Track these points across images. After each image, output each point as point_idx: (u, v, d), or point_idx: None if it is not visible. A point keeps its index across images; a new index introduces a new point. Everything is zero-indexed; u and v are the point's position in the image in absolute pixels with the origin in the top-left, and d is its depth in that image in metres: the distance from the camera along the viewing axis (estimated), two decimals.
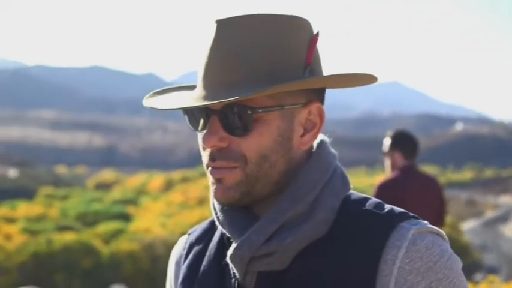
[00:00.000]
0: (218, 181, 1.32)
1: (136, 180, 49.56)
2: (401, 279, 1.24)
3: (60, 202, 29.68)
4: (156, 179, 46.97)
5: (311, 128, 1.36)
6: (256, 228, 1.30)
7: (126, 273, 14.81)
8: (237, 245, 1.31)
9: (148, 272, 14.86)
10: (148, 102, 1.40)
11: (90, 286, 14.29)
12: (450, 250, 1.29)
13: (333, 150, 1.42)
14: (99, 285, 14.18)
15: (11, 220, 21.86)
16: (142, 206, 28.74)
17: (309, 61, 1.33)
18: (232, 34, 1.29)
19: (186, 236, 1.58)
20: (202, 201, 29.85)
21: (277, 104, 1.30)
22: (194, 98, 1.31)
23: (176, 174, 49.56)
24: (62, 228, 18.83)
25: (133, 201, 30.08)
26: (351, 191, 1.39)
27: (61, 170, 76.55)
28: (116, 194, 34.83)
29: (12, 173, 58.56)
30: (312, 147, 1.40)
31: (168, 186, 42.49)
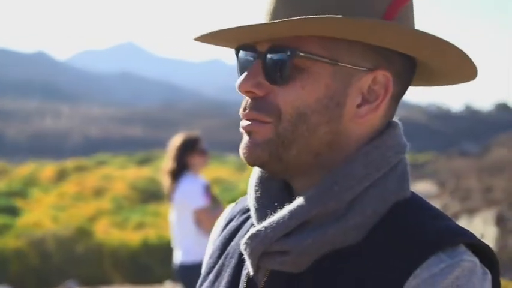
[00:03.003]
0: (248, 134, 1.25)
1: (24, 169, 48.29)
2: None
3: None
4: (47, 168, 45.92)
5: (373, 99, 1.23)
6: (275, 220, 1.22)
7: (12, 272, 14.49)
8: (251, 234, 1.24)
9: (37, 271, 14.58)
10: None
11: None
12: None
13: (402, 140, 1.28)
14: None
15: None
16: (32, 198, 28.15)
17: (389, 17, 1.19)
18: None
19: (233, 204, 1.53)
20: (99, 192, 29.43)
21: (329, 57, 1.19)
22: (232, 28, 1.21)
23: (70, 163, 48.57)
24: None
25: (21, 193, 29.37)
26: (414, 195, 1.27)
27: None
28: (1, 185, 33.91)
29: None
30: (380, 130, 1.27)
31: (61, 176, 41.64)
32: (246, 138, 1.25)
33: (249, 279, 1.29)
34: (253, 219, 1.29)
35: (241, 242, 1.26)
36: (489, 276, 1.17)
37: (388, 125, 1.29)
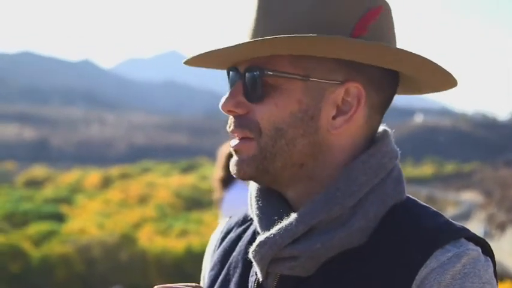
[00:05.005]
0: (236, 153, 1.31)
1: (70, 176, 48.99)
2: None
3: None
4: (93, 176, 46.49)
5: (347, 110, 1.28)
6: (283, 227, 1.27)
7: (58, 278, 14.65)
8: (260, 241, 1.28)
9: (82, 277, 14.74)
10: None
11: None
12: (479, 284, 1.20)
13: (394, 147, 1.34)
14: None
15: None
16: (77, 204, 28.48)
17: (355, 34, 1.25)
18: None
19: (227, 219, 1.58)
20: (143, 199, 29.66)
21: (299, 73, 1.25)
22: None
23: (114, 170, 49.18)
24: None
25: (67, 200, 29.74)
26: (409, 198, 1.34)
27: None
28: (48, 191, 34.38)
29: None
30: (366, 139, 1.32)
31: (106, 183, 42.11)
32: (234, 156, 1.31)
33: (259, 285, 1.33)
34: (258, 228, 1.33)
35: (250, 250, 1.30)
36: (491, 263, 1.25)
37: (382, 134, 1.35)
